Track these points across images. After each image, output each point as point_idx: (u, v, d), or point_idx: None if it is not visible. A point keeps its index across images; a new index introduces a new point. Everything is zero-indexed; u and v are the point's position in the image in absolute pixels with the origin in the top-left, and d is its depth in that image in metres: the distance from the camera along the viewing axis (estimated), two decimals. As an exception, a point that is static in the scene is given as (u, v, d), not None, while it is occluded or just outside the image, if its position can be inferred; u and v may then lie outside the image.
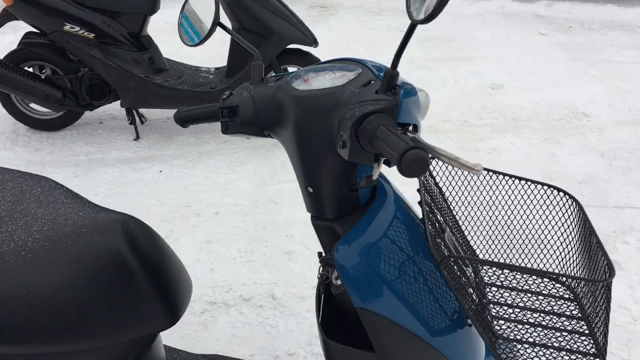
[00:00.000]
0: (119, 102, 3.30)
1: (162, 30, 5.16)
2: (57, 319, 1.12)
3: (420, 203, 1.13)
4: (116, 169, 3.12)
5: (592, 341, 1.16)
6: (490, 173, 1.28)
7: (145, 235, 1.26)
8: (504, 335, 1.15)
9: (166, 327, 1.26)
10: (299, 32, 3.25)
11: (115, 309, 1.17)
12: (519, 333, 1.19)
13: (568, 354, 1.14)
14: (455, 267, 1.10)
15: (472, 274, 1.20)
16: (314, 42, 3.31)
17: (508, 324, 1.19)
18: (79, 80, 3.24)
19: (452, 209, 1.31)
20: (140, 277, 1.20)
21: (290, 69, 3.47)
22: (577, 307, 1.21)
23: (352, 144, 0.96)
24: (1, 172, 1.31)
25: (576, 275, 1.22)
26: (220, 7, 3.01)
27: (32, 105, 3.38)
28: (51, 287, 1.12)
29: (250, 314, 2.19)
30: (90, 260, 1.15)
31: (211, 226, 2.67)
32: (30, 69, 3.30)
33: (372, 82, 1.03)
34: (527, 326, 1.18)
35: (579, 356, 1.13)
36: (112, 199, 2.87)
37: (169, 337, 2.09)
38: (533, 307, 1.21)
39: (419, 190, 1.17)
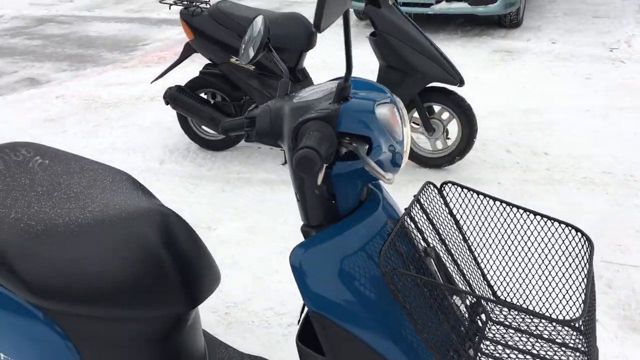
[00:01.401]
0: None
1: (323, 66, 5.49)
2: (88, 286, 1.32)
3: (400, 219, 1.12)
4: (259, 188, 3.40)
5: None
6: (504, 204, 1.22)
7: (179, 229, 1.42)
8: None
9: (185, 310, 1.40)
10: (443, 71, 3.26)
11: (137, 287, 1.34)
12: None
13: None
14: (426, 289, 1.07)
15: (463, 306, 1.15)
16: (459, 82, 3.29)
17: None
18: (240, 107, 3.62)
19: (467, 240, 1.26)
20: (164, 262, 1.35)
21: (436, 108, 3.47)
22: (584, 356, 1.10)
23: (292, 148, 1.01)
24: (88, 163, 1.58)
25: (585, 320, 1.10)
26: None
27: (204, 127, 3.84)
28: (88, 258, 1.33)
29: (331, 334, 2.24)
30: (122, 241, 1.34)
31: (324, 249, 2.77)
32: (205, 96, 3.77)
33: None
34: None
35: None
36: (246, 213, 3.14)
37: (250, 343, 2.23)
38: (533, 351, 1.12)
39: (407, 212, 1.16)
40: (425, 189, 1.23)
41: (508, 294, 1.26)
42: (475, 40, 6.42)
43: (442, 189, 1.26)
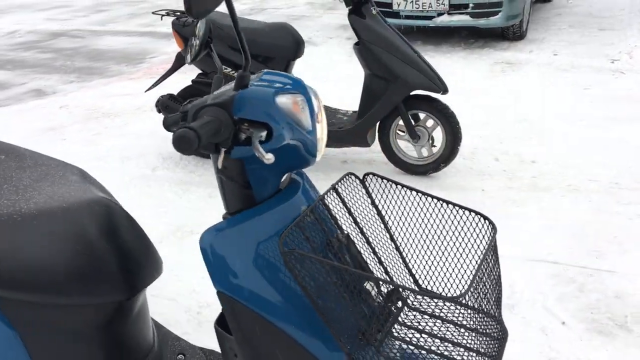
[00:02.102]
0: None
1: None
2: (27, 273, 1.38)
3: (311, 205, 1.16)
4: (245, 194, 3.46)
5: None
6: (420, 194, 1.25)
7: (120, 220, 1.48)
8: (392, 355, 1.11)
9: (124, 298, 1.45)
10: (426, 79, 3.30)
11: (74, 275, 1.40)
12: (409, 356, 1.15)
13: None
14: (335, 275, 1.11)
15: (375, 292, 1.18)
16: (442, 90, 3.33)
17: (407, 346, 1.15)
18: (230, 115, 3.69)
19: (390, 230, 1.30)
20: (100, 251, 1.41)
21: (421, 115, 3.51)
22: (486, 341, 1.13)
23: None
24: (43, 159, 1.65)
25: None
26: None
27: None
28: (27, 247, 1.39)
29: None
30: (61, 231, 1.41)
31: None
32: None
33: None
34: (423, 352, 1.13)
35: None
36: (229, 218, 3.20)
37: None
38: (446, 336, 1.16)
39: (320, 197, 1.20)
40: (345, 179, 1.28)
41: (429, 281, 1.29)
42: (478, 52, 6.45)
43: (364, 179, 1.30)
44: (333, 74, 5.67)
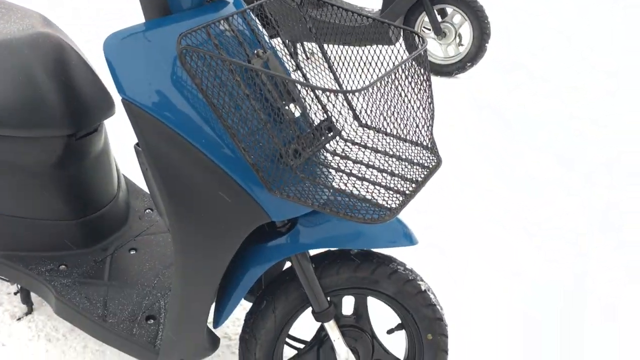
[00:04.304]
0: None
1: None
2: None
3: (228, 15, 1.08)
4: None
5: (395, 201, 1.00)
6: (355, 14, 1.15)
7: (67, 55, 1.45)
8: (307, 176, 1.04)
9: (70, 132, 1.44)
10: (452, -33, 3.08)
11: (15, 105, 1.39)
12: (326, 178, 1.08)
13: (363, 203, 1.00)
14: (245, 86, 1.02)
15: (299, 112, 1.09)
16: (472, -19, 3.10)
17: (330, 170, 1.09)
18: (251, 12, 3.58)
19: (329, 60, 1.20)
20: (42, 83, 1.39)
21: (448, 10, 3.29)
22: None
23: None
24: (5, 3, 1.62)
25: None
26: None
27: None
28: None
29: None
30: (10, 68, 1.39)
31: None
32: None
33: None
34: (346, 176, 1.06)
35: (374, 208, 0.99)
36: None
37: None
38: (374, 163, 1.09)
39: (242, 10, 1.11)
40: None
41: (369, 115, 1.19)
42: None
43: (302, 3, 1.20)
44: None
